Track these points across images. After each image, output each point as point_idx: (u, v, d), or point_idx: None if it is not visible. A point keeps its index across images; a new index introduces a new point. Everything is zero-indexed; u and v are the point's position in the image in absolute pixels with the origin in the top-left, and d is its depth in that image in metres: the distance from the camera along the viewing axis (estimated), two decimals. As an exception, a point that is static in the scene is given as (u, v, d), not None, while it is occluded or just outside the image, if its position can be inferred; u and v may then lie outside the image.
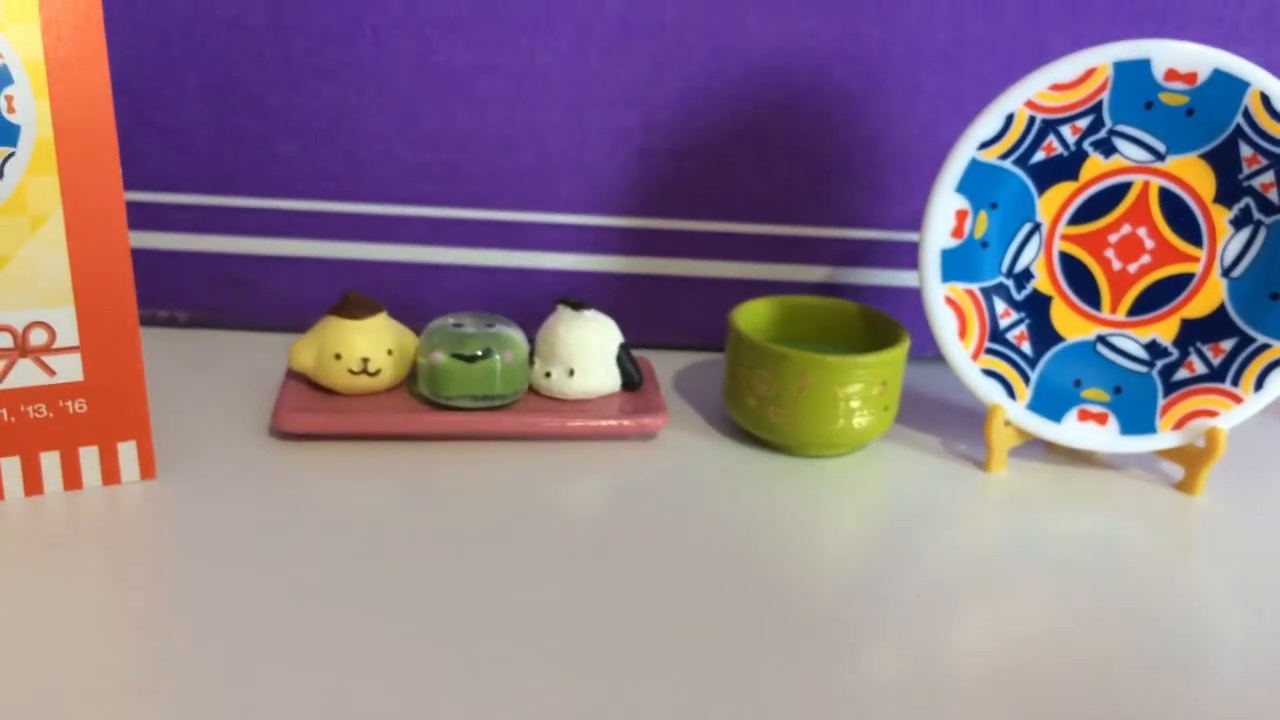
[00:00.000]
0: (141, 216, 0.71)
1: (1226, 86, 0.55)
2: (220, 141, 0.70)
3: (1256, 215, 0.57)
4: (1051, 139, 0.58)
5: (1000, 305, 0.60)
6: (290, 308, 0.73)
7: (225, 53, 0.68)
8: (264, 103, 0.69)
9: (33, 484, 0.51)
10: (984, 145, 0.57)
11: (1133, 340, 0.61)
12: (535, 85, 0.69)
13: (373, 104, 0.69)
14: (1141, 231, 0.59)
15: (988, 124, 0.57)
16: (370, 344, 0.59)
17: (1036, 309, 0.61)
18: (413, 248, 0.72)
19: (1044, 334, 0.61)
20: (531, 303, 0.72)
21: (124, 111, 0.68)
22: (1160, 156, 0.58)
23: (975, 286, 0.60)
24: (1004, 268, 0.60)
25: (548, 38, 0.68)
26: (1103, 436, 0.60)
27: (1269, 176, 0.56)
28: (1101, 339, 0.61)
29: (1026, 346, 0.61)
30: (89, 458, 0.52)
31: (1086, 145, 0.58)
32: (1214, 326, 0.59)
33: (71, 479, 0.52)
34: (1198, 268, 0.59)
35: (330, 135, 0.70)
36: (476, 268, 0.73)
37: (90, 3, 0.47)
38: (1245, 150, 0.56)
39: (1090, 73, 0.56)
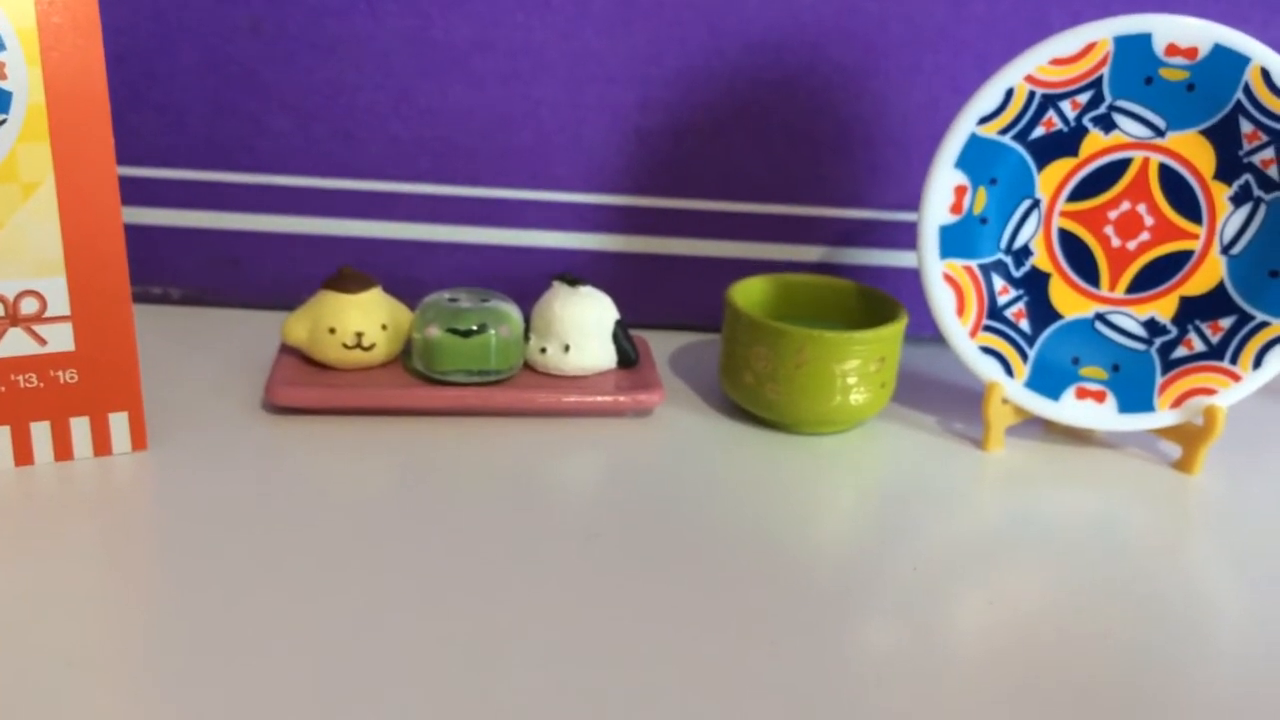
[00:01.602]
0: (134, 192, 0.70)
1: (1227, 62, 0.55)
2: (214, 117, 0.69)
3: (1256, 192, 0.57)
4: (1051, 114, 0.57)
5: (999, 282, 0.60)
6: (284, 285, 0.73)
7: (219, 27, 0.67)
8: (258, 78, 0.68)
9: (23, 454, 0.51)
10: (983, 120, 0.57)
11: (1131, 318, 0.60)
12: (532, 62, 0.69)
13: (368, 80, 0.69)
14: (1141, 208, 0.59)
15: (987, 99, 0.56)
16: (364, 318, 0.59)
17: (1035, 286, 0.61)
18: (408, 225, 0.72)
19: (1042, 311, 0.61)
20: (527, 282, 0.72)
21: (117, 86, 0.67)
22: (1160, 132, 0.57)
23: (974, 263, 0.60)
24: (1003, 244, 0.60)
25: (545, 14, 0.67)
26: (1101, 414, 0.60)
27: (1269, 153, 0.56)
28: (1100, 316, 0.60)
29: (1025, 324, 0.60)
30: (80, 428, 0.52)
31: (1086, 121, 0.58)
32: (1213, 304, 0.59)
33: (62, 450, 0.52)
34: (1197, 245, 0.59)
35: (325, 111, 0.69)
36: (472, 246, 0.73)
37: (82, -31, 0.46)
38: (1246, 126, 0.56)
39: (1090, 47, 0.55)
